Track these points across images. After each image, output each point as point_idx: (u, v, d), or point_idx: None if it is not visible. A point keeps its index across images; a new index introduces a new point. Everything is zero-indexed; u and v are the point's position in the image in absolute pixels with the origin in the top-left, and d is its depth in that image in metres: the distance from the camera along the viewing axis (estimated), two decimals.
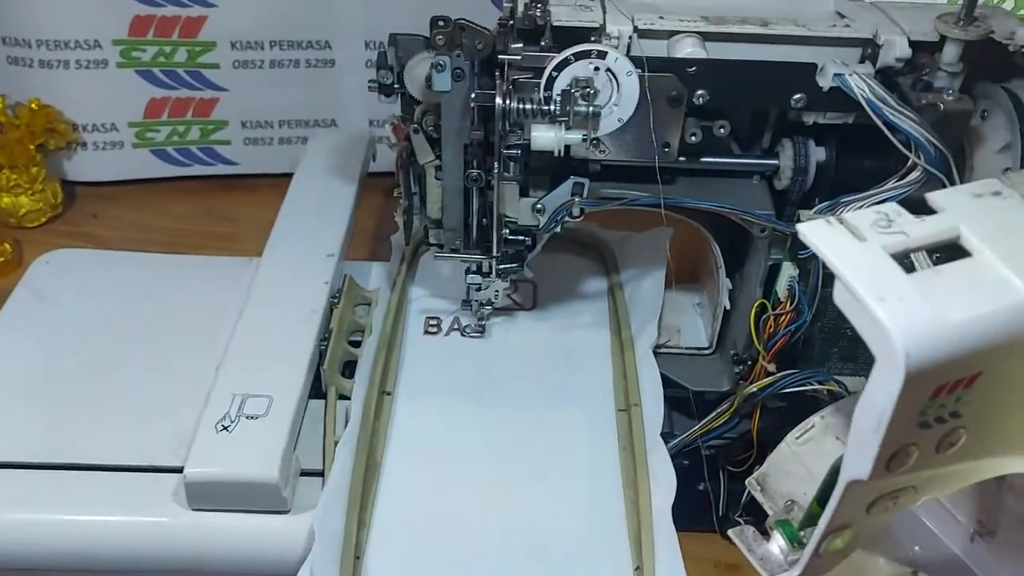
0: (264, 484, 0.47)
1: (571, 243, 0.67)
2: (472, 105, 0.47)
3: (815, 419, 0.43)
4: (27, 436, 0.52)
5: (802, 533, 0.40)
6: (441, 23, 0.48)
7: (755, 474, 0.45)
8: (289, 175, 0.88)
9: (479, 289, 0.57)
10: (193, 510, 0.48)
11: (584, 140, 0.45)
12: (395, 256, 0.65)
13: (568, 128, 0.45)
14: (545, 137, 0.45)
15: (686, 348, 0.61)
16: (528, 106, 0.45)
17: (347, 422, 0.52)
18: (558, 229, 0.51)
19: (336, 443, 0.51)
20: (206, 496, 0.48)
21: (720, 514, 0.57)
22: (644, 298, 0.61)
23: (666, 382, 0.58)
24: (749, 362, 0.56)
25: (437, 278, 0.64)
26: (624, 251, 0.67)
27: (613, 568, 0.47)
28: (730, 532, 0.44)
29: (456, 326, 0.61)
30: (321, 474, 0.51)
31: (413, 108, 0.51)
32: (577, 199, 0.49)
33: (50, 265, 0.63)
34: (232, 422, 0.49)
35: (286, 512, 0.48)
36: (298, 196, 0.67)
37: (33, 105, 0.78)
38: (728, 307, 0.57)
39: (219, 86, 0.82)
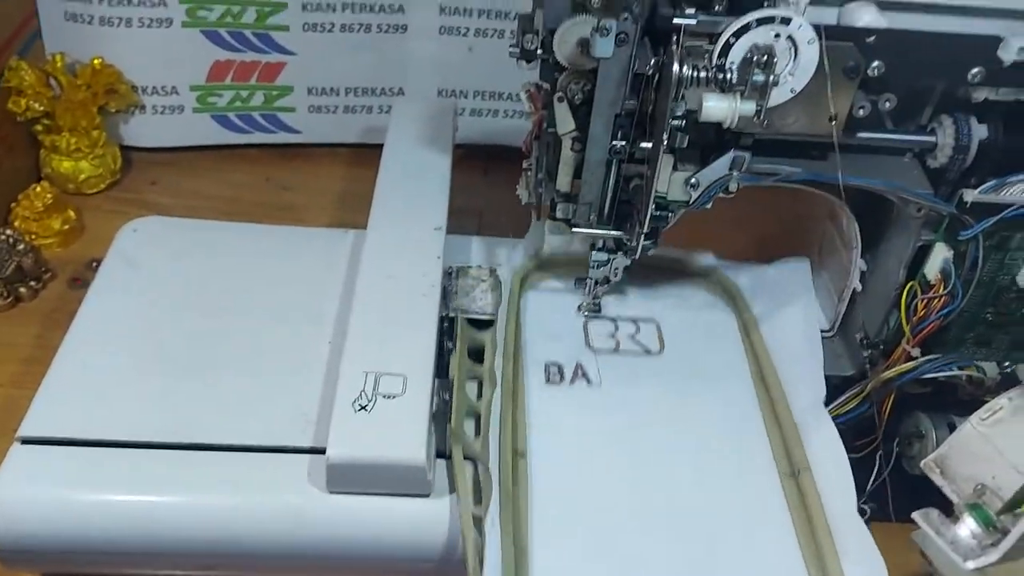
0: (410, 467, 0.45)
1: (691, 276, 0.61)
2: (630, 73, 0.45)
3: (1002, 401, 0.42)
4: (142, 413, 0.49)
5: (1000, 517, 0.39)
6: None
7: (932, 456, 0.43)
8: (351, 145, 0.86)
9: (598, 267, 0.55)
10: (331, 492, 0.46)
11: (758, 111, 0.43)
12: (504, 291, 0.58)
13: (743, 98, 0.43)
14: (718, 107, 0.43)
15: None
16: (702, 74, 0.43)
17: (472, 483, 0.47)
18: (708, 205, 0.49)
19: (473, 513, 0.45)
20: (347, 478, 0.45)
21: None
22: (796, 343, 0.55)
23: None
24: (881, 346, 0.54)
25: (550, 312, 0.58)
26: (755, 284, 0.60)
27: None
28: (914, 515, 0.43)
29: (580, 373, 0.54)
30: (447, 456, 0.49)
31: (554, 75, 0.49)
32: (735, 174, 0.47)
33: (138, 233, 0.60)
34: (369, 401, 0.47)
35: (427, 495, 0.46)
36: (393, 167, 0.64)
37: (95, 64, 0.74)
38: (859, 289, 0.55)
39: (287, 50, 0.79)
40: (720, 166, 0.47)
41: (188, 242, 0.60)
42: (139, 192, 0.79)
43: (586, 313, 0.58)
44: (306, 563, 0.47)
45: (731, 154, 0.47)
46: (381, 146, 0.82)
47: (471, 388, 0.52)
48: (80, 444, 0.47)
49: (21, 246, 0.67)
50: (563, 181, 0.52)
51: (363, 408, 0.47)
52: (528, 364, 0.53)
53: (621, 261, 0.55)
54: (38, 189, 0.71)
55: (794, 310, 0.56)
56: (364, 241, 0.57)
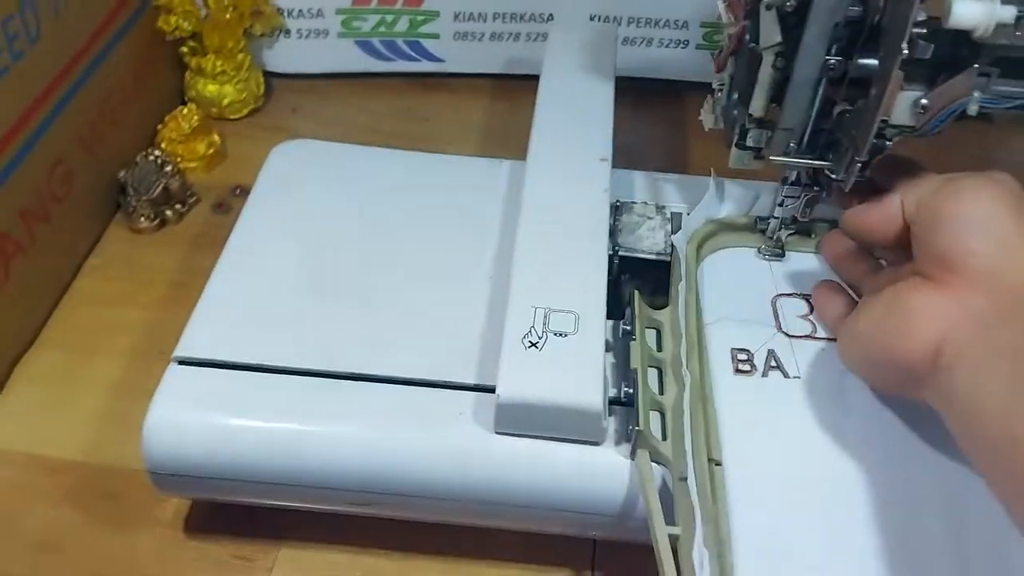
0: (586, 412, 0.41)
1: None
2: None
3: None
4: (298, 340, 0.46)
5: None
6: None
7: None
8: (494, 76, 0.82)
9: (787, 204, 0.50)
10: (498, 433, 0.42)
11: (1020, 18, 0.36)
12: (681, 259, 0.51)
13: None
14: (971, 12, 0.36)
15: None
16: None
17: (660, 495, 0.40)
18: (940, 132, 0.42)
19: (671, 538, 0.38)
20: (517, 420, 0.42)
21: None
22: None
23: None
24: None
25: (733, 287, 0.51)
26: None
27: None
28: None
29: (773, 363, 0.47)
30: (620, 402, 0.44)
31: None
32: (977, 95, 0.40)
33: (290, 156, 0.58)
34: (540, 338, 0.43)
35: (599, 444, 0.42)
36: (552, 94, 0.59)
37: None
38: None
39: None
40: (960, 84, 0.41)
41: (341, 167, 0.57)
42: (281, 119, 0.77)
43: (767, 256, 0.53)
44: (468, 507, 0.44)
45: (974, 71, 0.40)
46: (525, 77, 0.78)
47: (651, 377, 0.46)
48: (237, 368, 0.45)
49: (168, 168, 0.66)
50: (758, 104, 0.46)
51: (533, 345, 0.43)
52: (712, 350, 0.47)
53: (814, 197, 0.49)
54: (185, 111, 0.69)
55: None
56: (523, 172, 0.53)
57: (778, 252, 0.53)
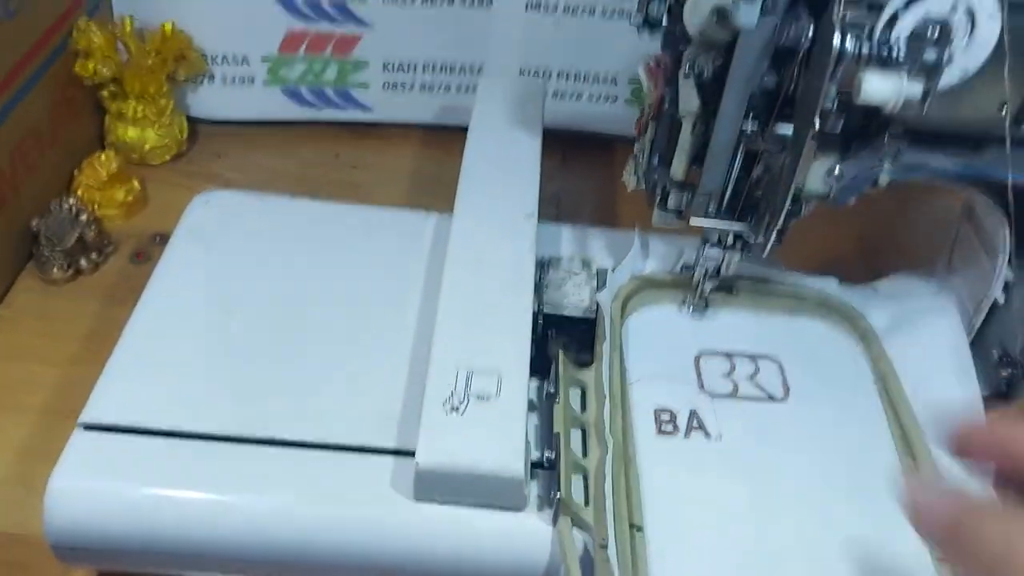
0: (507, 479, 0.40)
1: (809, 303, 0.53)
2: (774, 45, 0.40)
3: None
4: (213, 403, 0.45)
5: None
6: None
7: None
8: (425, 126, 0.82)
9: (709, 262, 0.50)
10: (418, 501, 0.41)
11: (925, 95, 0.38)
12: (605, 318, 0.50)
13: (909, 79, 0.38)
14: (881, 89, 0.38)
15: None
16: (865, 50, 0.37)
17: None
18: (851, 201, 0.44)
19: None
20: (437, 487, 0.41)
21: None
22: (926, 389, 0.46)
23: None
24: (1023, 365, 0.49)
25: (657, 345, 0.50)
26: (893, 324, 0.50)
27: None
28: None
29: (696, 423, 0.46)
30: (543, 466, 0.44)
31: (680, 48, 0.44)
32: (887, 166, 0.42)
33: (209, 206, 0.56)
34: (461, 402, 0.42)
35: (521, 510, 0.42)
36: (480, 148, 0.60)
37: (167, 29, 0.70)
38: (1000, 301, 0.49)
39: (364, 21, 0.74)
40: (869, 156, 0.42)
41: (262, 219, 0.56)
42: (204, 165, 0.76)
43: (691, 309, 0.53)
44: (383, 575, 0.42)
45: (884, 143, 0.41)
46: (456, 128, 0.78)
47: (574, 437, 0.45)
48: (146, 433, 0.43)
49: (84, 216, 0.63)
50: (679, 168, 0.47)
51: (455, 409, 0.42)
52: (635, 409, 0.46)
53: (735, 256, 0.50)
54: (103, 157, 0.67)
55: (945, 368, 0.47)
56: (449, 225, 0.53)
57: (701, 306, 0.53)
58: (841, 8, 0.37)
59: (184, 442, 0.43)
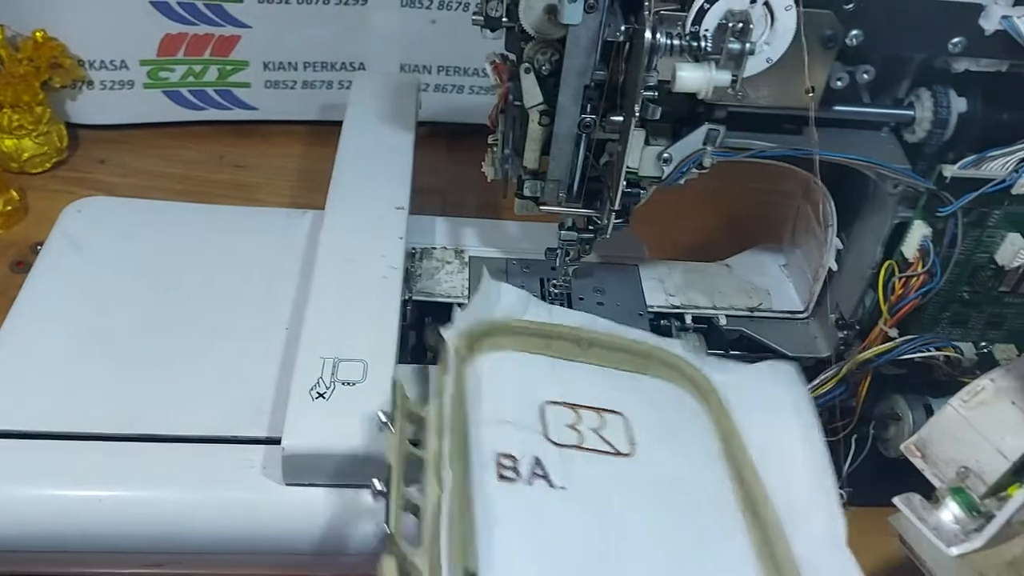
0: (369, 457, 0.43)
1: (656, 362, 0.50)
2: (600, 41, 0.43)
3: (983, 382, 0.40)
4: (86, 403, 0.46)
5: (984, 502, 0.38)
6: None
7: (912, 439, 0.42)
8: (309, 123, 0.83)
9: (567, 245, 0.53)
10: (287, 484, 0.43)
11: (733, 81, 0.41)
12: (446, 355, 0.45)
13: (717, 68, 0.41)
14: (693, 77, 0.41)
15: (778, 312, 0.58)
16: (676, 42, 0.41)
17: None
18: (682, 182, 0.47)
19: None
20: (304, 470, 0.43)
21: None
22: (798, 475, 0.44)
23: (760, 347, 0.56)
24: (857, 326, 0.53)
25: (503, 388, 0.46)
26: (734, 386, 0.49)
27: None
28: (895, 499, 0.41)
29: (540, 471, 0.42)
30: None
31: (520, 45, 0.47)
32: (709, 148, 0.45)
33: (82, 214, 0.57)
34: (327, 389, 0.44)
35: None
36: (352, 144, 0.62)
37: (38, 36, 0.70)
38: (834, 268, 0.54)
39: (242, 22, 0.75)
40: (693, 140, 0.46)
41: (136, 223, 0.57)
42: (87, 171, 0.76)
43: (554, 290, 0.56)
44: (261, 558, 0.44)
45: (704, 128, 0.45)
46: (341, 123, 0.80)
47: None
48: (19, 436, 0.44)
49: None
50: (530, 157, 0.49)
51: (320, 396, 0.44)
52: (476, 452, 0.42)
53: (589, 239, 0.53)
54: None
55: (790, 430, 0.46)
56: (322, 221, 0.55)
57: (566, 287, 0.56)
58: (652, 5, 0.41)
59: (58, 443, 0.44)
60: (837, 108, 0.47)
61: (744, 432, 0.46)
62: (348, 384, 0.45)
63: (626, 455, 0.44)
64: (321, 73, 0.80)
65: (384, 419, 0.40)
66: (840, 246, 0.53)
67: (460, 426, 0.43)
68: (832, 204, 0.52)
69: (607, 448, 0.44)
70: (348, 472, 0.43)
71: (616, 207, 0.46)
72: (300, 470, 0.43)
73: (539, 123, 0.48)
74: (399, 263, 0.52)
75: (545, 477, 0.42)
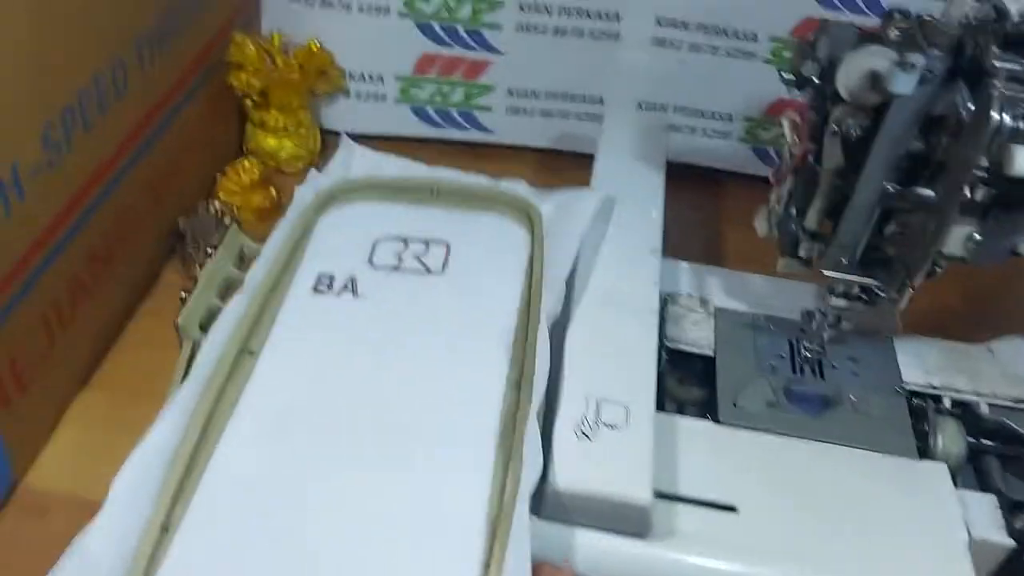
0: (635, 506, 0.42)
1: (495, 201, 0.60)
2: (925, 113, 0.42)
3: None
4: None
5: None
6: (898, 15, 0.42)
7: None
8: (540, 150, 0.84)
9: (829, 314, 0.52)
10: (543, 519, 0.44)
11: None
12: (293, 209, 0.58)
13: None
14: None
15: None
16: (1021, 124, 0.39)
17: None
18: (987, 266, 0.45)
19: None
20: (568, 508, 0.43)
21: None
22: (554, 267, 0.53)
23: (1019, 440, 0.52)
24: None
25: (345, 230, 0.57)
26: (551, 209, 0.58)
27: (463, 558, 0.40)
28: None
29: (350, 286, 0.53)
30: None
31: (826, 106, 0.46)
32: None
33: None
34: (591, 429, 0.45)
35: (645, 537, 0.44)
36: (606, 182, 0.62)
37: (312, 46, 0.74)
38: None
39: (496, 49, 0.77)
40: (1006, 224, 0.43)
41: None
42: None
43: (807, 354, 0.55)
44: None
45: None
46: (569, 153, 0.81)
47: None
48: None
49: (227, 219, 0.68)
50: (814, 219, 0.48)
51: (585, 435, 0.44)
52: (301, 274, 0.53)
53: (860, 308, 0.51)
54: (247, 164, 0.72)
55: (563, 235, 0.55)
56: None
57: (819, 351, 0.54)
58: (1001, 83, 0.39)
59: None
60: None
61: (545, 247, 0.55)
62: (611, 427, 0.45)
63: (436, 273, 0.54)
64: (561, 103, 0.81)
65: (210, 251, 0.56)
66: None
67: (292, 258, 0.55)
68: None
69: (420, 268, 0.54)
70: (610, 517, 0.43)
71: (916, 285, 0.44)
72: (564, 508, 0.43)
73: (833, 186, 0.47)
74: (655, 307, 0.52)
75: (353, 290, 0.52)
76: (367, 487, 0.43)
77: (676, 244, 0.78)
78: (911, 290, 0.45)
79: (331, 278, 0.53)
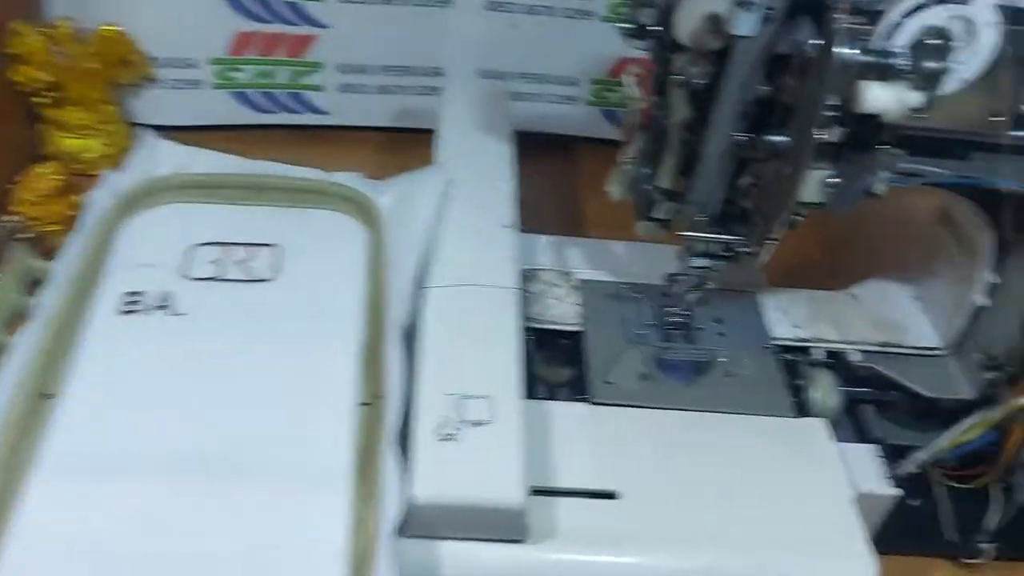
0: (507, 510, 0.39)
1: (327, 196, 0.55)
2: (768, 54, 0.39)
3: None
4: None
5: None
6: None
7: None
8: (383, 129, 0.79)
9: (694, 272, 0.49)
10: (408, 537, 0.39)
11: (927, 104, 0.37)
12: (87, 218, 0.51)
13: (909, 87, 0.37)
14: (882, 98, 0.37)
15: (913, 348, 0.53)
16: (867, 58, 0.37)
17: None
18: (846, 210, 0.43)
19: None
20: (434, 522, 0.39)
21: (948, 536, 0.50)
22: (401, 261, 0.49)
23: (891, 386, 0.52)
24: (1008, 368, 0.49)
25: (151, 239, 0.50)
26: (391, 202, 0.54)
27: None
28: None
29: (164, 303, 0.46)
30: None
31: (667, 56, 0.43)
32: (885, 174, 0.41)
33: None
34: (456, 430, 0.40)
35: (523, 541, 0.40)
36: (451, 157, 0.57)
37: (109, 32, 0.66)
38: (984, 304, 0.50)
39: (319, 22, 0.71)
40: (866, 164, 0.41)
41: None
42: None
43: (672, 319, 0.52)
44: None
45: (883, 151, 0.41)
46: (415, 130, 0.76)
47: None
48: None
49: (23, 235, 0.59)
50: (667, 177, 0.45)
51: (449, 438, 0.40)
52: (103, 294, 0.47)
53: (722, 266, 0.49)
54: (44, 170, 0.63)
55: (409, 226, 0.51)
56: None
57: (685, 319, 0.52)
58: (843, 16, 0.36)
59: None
60: (1017, 133, 0.43)
61: (388, 246, 0.50)
62: (477, 424, 0.41)
63: (267, 281, 0.48)
64: (397, 78, 0.75)
65: None
66: (994, 281, 0.49)
67: (90, 275, 0.48)
68: (989, 235, 0.47)
69: (247, 278, 0.48)
70: (481, 526, 0.39)
71: (775, 236, 0.42)
72: (429, 522, 0.39)
73: (682, 140, 0.44)
74: (513, 285, 0.48)
75: (167, 307, 0.46)
76: (200, 545, 0.37)
77: (532, 217, 0.75)
78: (772, 243, 0.42)
79: (140, 296, 0.47)
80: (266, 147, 0.76)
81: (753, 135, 0.42)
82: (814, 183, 0.42)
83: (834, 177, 0.41)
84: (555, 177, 0.79)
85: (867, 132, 0.41)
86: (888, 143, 0.41)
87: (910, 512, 0.49)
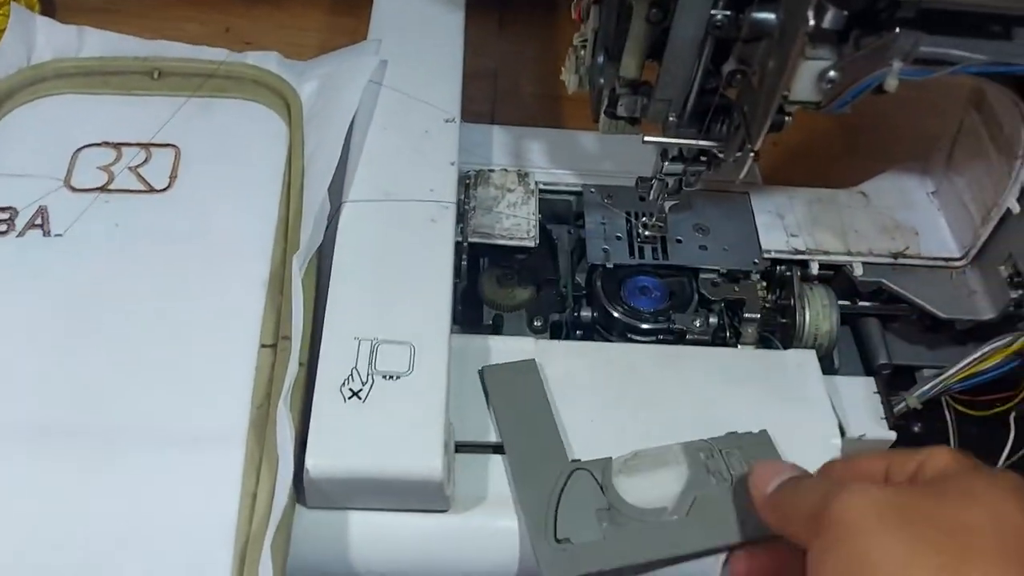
0: (421, 481, 0.33)
1: (240, 84, 0.46)
2: None
3: None
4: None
5: None
6: None
7: None
8: None
9: (664, 179, 0.41)
10: (310, 508, 0.34)
11: None
12: None
13: None
14: None
15: (927, 258, 0.45)
16: None
17: None
18: (847, 110, 0.34)
19: None
20: (337, 493, 0.33)
21: None
22: (320, 167, 0.40)
23: (899, 301, 0.44)
24: None
25: (29, 143, 0.43)
26: (316, 88, 0.45)
27: None
28: None
29: (38, 221, 0.40)
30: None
31: None
32: (898, 65, 0.32)
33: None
34: (364, 384, 0.34)
35: (445, 511, 0.34)
36: (387, 29, 0.48)
37: None
38: (1015, 209, 0.41)
39: None
40: (876, 51, 0.32)
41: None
42: None
43: (646, 231, 0.45)
44: None
45: (896, 35, 0.31)
46: None
47: None
48: None
49: None
50: (630, 65, 0.36)
51: (355, 395, 0.34)
52: None
53: (700, 170, 0.41)
54: None
55: (332, 121, 0.42)
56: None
57: (662, 224, 0.44)
58: None
59: None
60: None
61: (306, 140, 0.43)
62: (390, 378, 0.34)
63: (161, 190, 0.41)
64: None
65: None
66: None
67: None
68: None
69: (139, 187, 0.41)
70: (397, 496, 0.33)
71: (757, 145, 0.34)
72: (327, 494, 0.33)
73: (648, 18, 0.34)
74: (452, 197, 0.40)
75: (42, 226, 0.40)
76: (77, 507, 0.32)
77: (508, 90, 0.66)
78: (751, 155, 0.34)
79: (13, 212, 0.40)
80: (201, 13, 0.67)
81: (735, 11, 0.33)
82: (807, 77, 0.33)
83: (832, 71, 0.32)
84: (534, 41, 0.69)
85: (873, 9, 0.32)
86: (905, 20, 0.32)
87: (915, 442, 0.43)
